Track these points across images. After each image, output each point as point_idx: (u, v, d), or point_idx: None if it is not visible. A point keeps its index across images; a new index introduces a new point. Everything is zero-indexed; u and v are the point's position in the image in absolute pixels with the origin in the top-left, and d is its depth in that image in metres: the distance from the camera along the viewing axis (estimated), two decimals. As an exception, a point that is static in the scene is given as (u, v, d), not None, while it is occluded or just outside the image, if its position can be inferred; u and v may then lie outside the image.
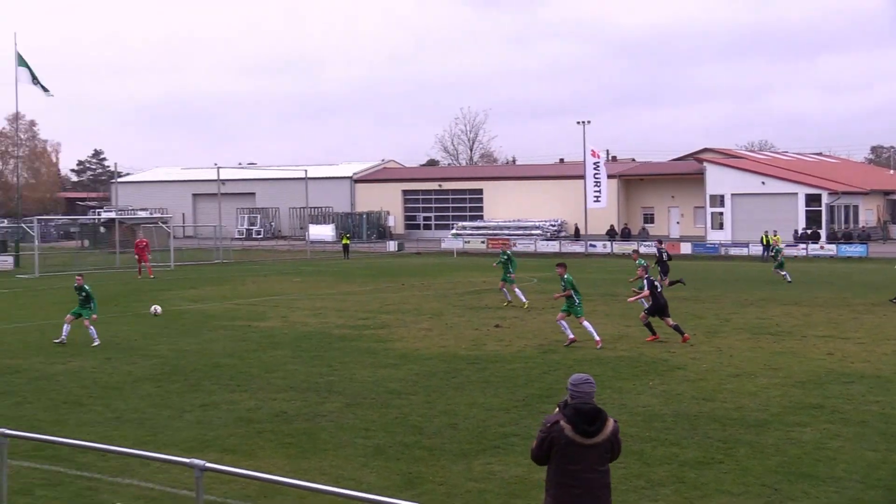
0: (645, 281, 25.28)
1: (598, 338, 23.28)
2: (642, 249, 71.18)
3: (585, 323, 23.59)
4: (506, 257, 34.54)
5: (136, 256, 50.58)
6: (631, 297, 28.21)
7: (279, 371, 20.37)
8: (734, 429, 15.00)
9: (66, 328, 24.36)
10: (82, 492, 12.01)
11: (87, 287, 24.74)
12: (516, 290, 33.86)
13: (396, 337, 25.57)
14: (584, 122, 76.15)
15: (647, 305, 25.12)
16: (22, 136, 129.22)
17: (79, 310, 24.63)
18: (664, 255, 38.47)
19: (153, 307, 25.27)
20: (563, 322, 23.74)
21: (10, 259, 59.07)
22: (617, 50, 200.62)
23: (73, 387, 18.86)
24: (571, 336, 23.46)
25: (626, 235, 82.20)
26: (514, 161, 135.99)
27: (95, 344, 23.80)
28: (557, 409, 8.00)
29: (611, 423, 7.81)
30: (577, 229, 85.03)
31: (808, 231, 75.44)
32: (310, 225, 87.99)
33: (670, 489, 12.02)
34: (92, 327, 24.26)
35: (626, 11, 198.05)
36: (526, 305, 32.74)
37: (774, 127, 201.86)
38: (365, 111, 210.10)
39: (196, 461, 8.64)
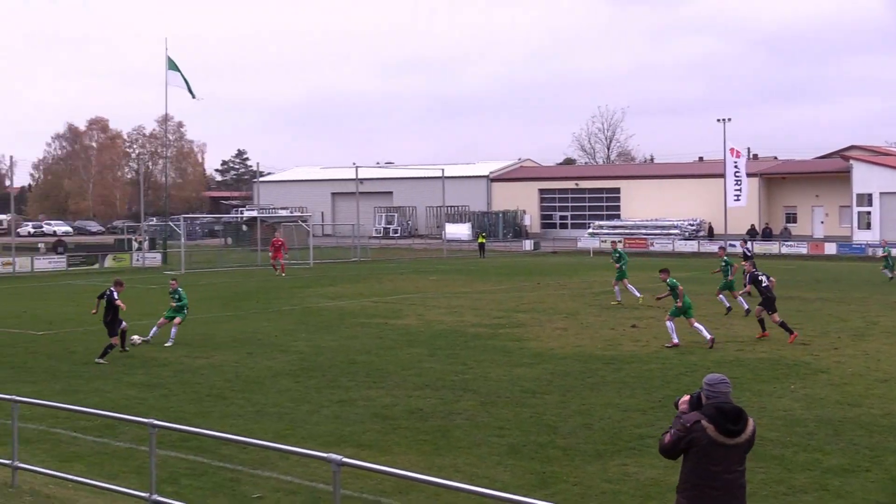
0: (748, 276, 24.83)
1: (675, 340, 23.19)
2: (784, 250, 69.53)
3: (669, 323, 23.55)
4: (617, 255, 34.55)
5: (271, 254, 51.68)
6: (739, 293, 28.96)
7: (415, 368, 20.56)
8: (882, 436, 14.48)
9: (154, 330, 24.23)
10: (225, 482, 12.35)
11: (180, 290, 24.59)
12: (628, 286, 34.21)
13: (531, 336, 25.52)
14: (724, 120, 74.46)
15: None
16: (170, 138, 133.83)
17: (172, 313, 24.46)
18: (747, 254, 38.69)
19: (134, 337, 23.26)
20: (699, 325, 23.41)
21: (159, 256, 61.25)
22: (759, 44, 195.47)
23: (217, 380, 19.42)
24: (709, 336, 23.06)
25: (766, 235, 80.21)
26: (651, 159, 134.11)
27: (168, 344, 23.65)
28: (687, 398, 7.83)
29: (751, 423, 7.65)
30: (710, 228, 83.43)
31: (963, 231, 72.24)
32: (446, 224, 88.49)
33: (812, 496, 11.68)
34: (175, 328, 24.12)
35: (769, 5, 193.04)
36: (641, 300, 32.99)
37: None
38: (502, 110, 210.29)
39: (334, 456, 8.79)
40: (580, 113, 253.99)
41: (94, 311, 22.67)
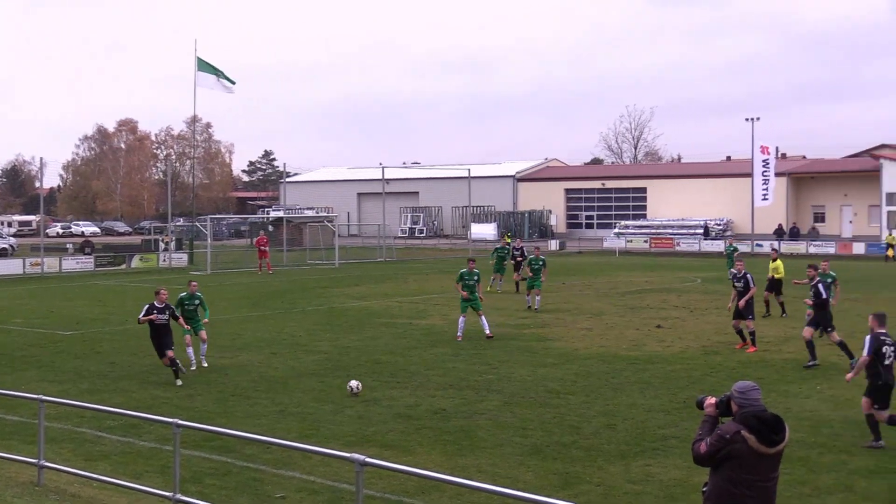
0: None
1: (487, 331, 24.85)
2: (812, 250, 68.92)
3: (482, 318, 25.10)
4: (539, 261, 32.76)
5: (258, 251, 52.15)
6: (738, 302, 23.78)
7: (439, 368, 20.55)
8: (908, 437, 14.34)
9: (189, 351, 20.69)
10: (248, 482, 12.39)
11: (200, 294, 21.58)
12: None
13: (556, 336, 25.46)
14: (752, 119, 74.15)
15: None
16: (198, 139, 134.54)
17: (193, 327, 20.97)
18: (519, 253, 39.30)
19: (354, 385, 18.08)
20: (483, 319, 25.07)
21: (185, 256, 61.53)
22: (803, 44, 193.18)
23: (241, 380, 19.48)
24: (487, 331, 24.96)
25: (794, 235, 79.71)
26: (678, 159, 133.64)
27: (193, 368, 20.49)
28: (713, 401, 7.77)
29: (788, 429, 7.54)
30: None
31: None
32: (472, 224, 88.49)
33: (838, 497, 11.59)
34: (191, 348, 20.72)
35: (816, 3, 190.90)
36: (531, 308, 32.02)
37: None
38: (533, 110, 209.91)
39: (357, 456, 8.80)
40: (609, 113, 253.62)
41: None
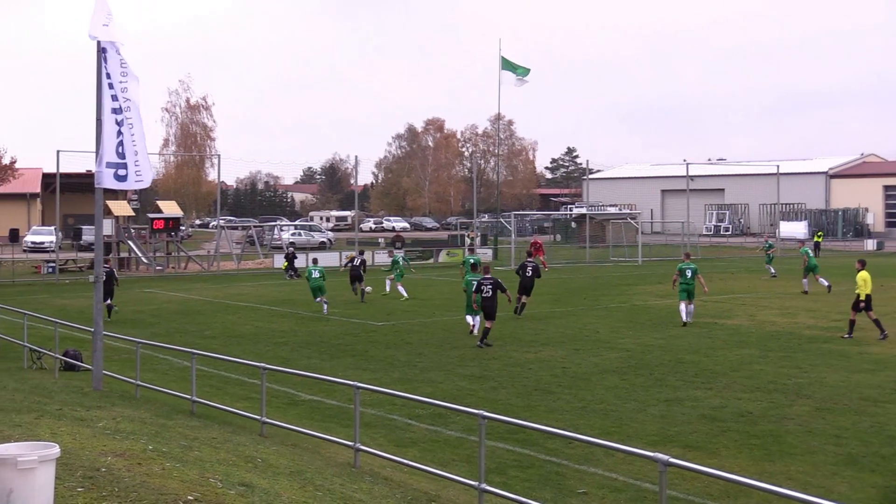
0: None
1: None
2: None
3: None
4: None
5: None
6: None
7: (745, 370, 19.93)
8: None
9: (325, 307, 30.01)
10: (550, 476, 12.50)
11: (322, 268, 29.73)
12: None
13: (872, 341, 24.05)
14: None
15: None
16: (502, 136, 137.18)
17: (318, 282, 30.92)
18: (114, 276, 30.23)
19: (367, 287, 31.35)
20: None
21: (490, 251, 62.93)
22: None
23: (544, 375, 19.69)
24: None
25: None
26: None
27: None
28: None
29: None
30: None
31: None
32: (780, 222, 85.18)
33: None
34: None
35: None
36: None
37: None
38: (848, 103, 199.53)
39: (660, 455, 8.67)
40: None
41: None
